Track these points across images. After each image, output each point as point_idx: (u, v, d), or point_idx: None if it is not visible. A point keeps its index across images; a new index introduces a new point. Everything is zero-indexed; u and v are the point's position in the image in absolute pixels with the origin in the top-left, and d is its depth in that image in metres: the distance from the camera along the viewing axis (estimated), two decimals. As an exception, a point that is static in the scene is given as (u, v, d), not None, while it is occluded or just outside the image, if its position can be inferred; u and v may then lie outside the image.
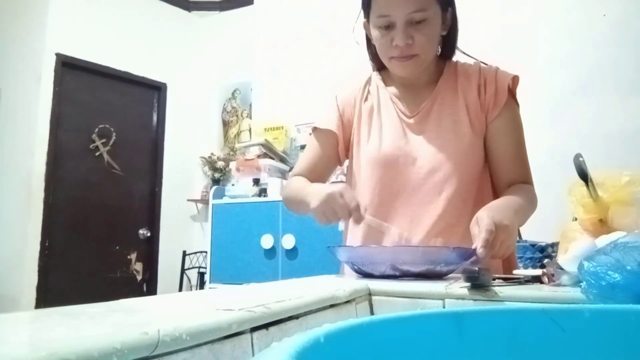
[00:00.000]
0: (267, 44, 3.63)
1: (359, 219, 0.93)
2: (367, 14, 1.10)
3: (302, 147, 3.15)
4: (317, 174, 1.20)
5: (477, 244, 0.81)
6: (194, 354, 0.37)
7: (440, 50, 1.15)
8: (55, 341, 0.31)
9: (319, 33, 3.37)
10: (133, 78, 4.33)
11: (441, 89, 1.14)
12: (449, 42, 1.15)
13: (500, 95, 1.10)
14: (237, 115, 4.70)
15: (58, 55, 3.84)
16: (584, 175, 0.79)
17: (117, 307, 0.48)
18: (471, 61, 1.18)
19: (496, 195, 1.12)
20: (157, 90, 4.55)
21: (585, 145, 2.36)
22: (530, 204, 1.06)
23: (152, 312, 0.49)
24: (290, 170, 3.09)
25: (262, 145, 3.10)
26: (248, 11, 4.19)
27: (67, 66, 3.90)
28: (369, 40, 1.18)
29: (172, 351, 0.35)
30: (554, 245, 0.87)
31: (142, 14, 4.44)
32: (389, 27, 1.04)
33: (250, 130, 4.19)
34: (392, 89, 1.18)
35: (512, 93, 1.12)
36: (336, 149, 1.20)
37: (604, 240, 0.65)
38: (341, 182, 2.77)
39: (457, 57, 1.22)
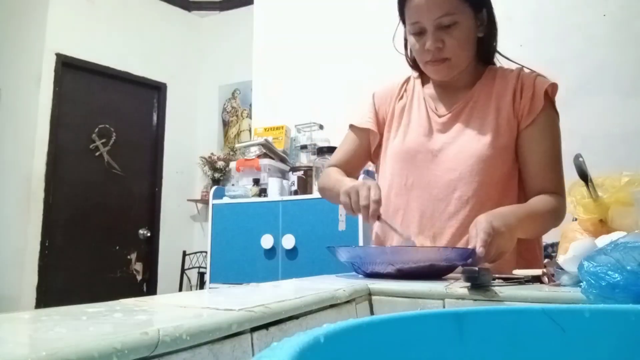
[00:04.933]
0: (267, 44, 3.63)
1: (372, 215, 0.94)
2: (404, 22, 1.13)
3: (303, 147, 3.15)
4: (350, 166, 1.25)
5: (476, 244, 0.82)
6: (194, 354, 0.37)
7: (477, 52, 1.14)
8: (55, 341, 0.31)
9: (319, 33, 3.37)
10: (133, 78, 4.33)
11: (476, 92, 1.14)
12: (485, 45, 1.15)
13: (536, 102, 1.08)
14: (237, 115, 4.70)
15: (58, 55, 3.84)
16: (584, 176, 0.79)
17: (117, 307, 0.48)
18: (514, 66, 1.17)
19: (524, 201, 1.10)
20: (157, 90, 4.55)
21: (585, 145, 2.36)
22: (551, 215, 1.04)
23: (152, 312, 0.49)
24: (290, 170, 3.09)
25: (262, 145, 3.10)
26: (248, 11, 4.19)
27: (67, 66, 3.90)
28: (406, 46, 1.21)
29: (172, 351, 0.35)
30: (554, 245, 0.87)
31: (142, 14, 4.44)
32: (421, 33, 1.06)
33: (250, 130, 4.19)
34: (429, 90, 1.20)
35: (551, 101, 1.10)
36: (369, 145, 1.24)
37: (604, 240, 0.65)
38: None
39: (503, 62, 1.21)
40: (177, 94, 4.65)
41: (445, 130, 1.13)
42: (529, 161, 1.09)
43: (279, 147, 3.20)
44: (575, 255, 0.66)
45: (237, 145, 3.90)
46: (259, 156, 3.09)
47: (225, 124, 4.75)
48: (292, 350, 0.26)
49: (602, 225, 0.77)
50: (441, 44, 1.05)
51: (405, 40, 1.19)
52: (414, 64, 1.23)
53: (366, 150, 1.25)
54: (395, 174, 1.14)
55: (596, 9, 2.58)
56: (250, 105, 4.33)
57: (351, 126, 1.27)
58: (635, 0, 2.52)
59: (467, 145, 1.09)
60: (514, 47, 2.63)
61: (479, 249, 0.82)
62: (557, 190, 1.07)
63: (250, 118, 4.34)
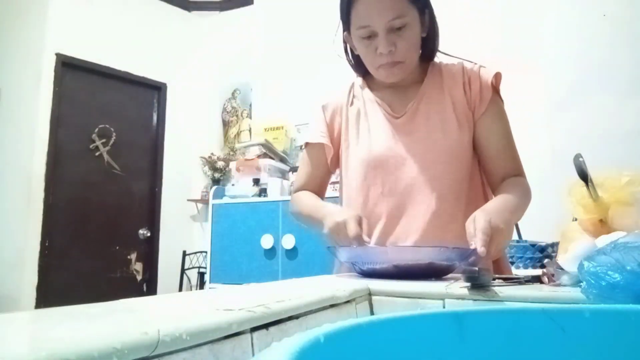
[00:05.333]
0: (267, 44, 3.63)
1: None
2: (347, 27, 1.12)
3: (303, 147, 3.16)
4: (315, 187, 1.25)
5: (477, 244, 0.82)
6: (194, 354, 0.37)
7: (421, 51, 1.15)
8: (55, 341, 0.31)
9: (319, 33, 3.37)
10: (133, 78, 4.33)
11: (427, 89, 1.16)
12: (429, 44, 1.17)
13: (485, 92, 1.12)
14: (237, 115, 4.70)
15: (58, 55, 3.84)
16: (584, 176, 0.79)
17: (117, 307, 0.48)
18: (454, 61, 1.19)
19: (491, 189, 1.14)
20: (157, 90, 4.55)
21: (585, 145, 2.35)
22: (524, 198, 1.08)
23: (152, 312, 0.49)
24: (290, 170, 3.09)
25: (262, 145, 3.11)
26: (248, 11, 4.19)
27: (67, 66, 3.90)
28: (350, 51, 1.20)
29: (172, 351, 0.35)
30: (554, 245, 0.87)
31: (142, 14, 4.44)
32: (370, 37, 1.06)
33: (250, 130, 4.19)
34: (378, 93, 1.20)
35: (496, 89, 1.13)
36: (327, 160, 1.24)
37: (604, 240, 0.65)
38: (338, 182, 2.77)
39: (441, 58, 1.23)
40: (177, 94, 4.65)
41: (406, 131, 1.14)
42: (488, 149, 1.13)
43: (279, 147, 3.20)
44: (575, 255, 0.66)
45: (237, 145, 3.91)
46: (259, 156, 3.09)
47: (225, 124, 4.75)
48: (292, 350, 0.26)
49: (602, 225, 0.77)
50: (393, 47, 1.05)
51: (345, 43, 1.19)
52: (357, 68, 1.23)
53: (325, 168, 1.25)
54: (369, 183, 1.14)
55: (596, 9, 2.59)
56: (250, 105, 4.33)
57: (306, 144, 1.27)
58: (635, 0, 2.52)
59: (435, 144, 1.11)
60: (515, 47, 2.64)
61: (480, 249, 0.82)
62: (519, 172, 1.13)
63: (250, 118, 4.34)
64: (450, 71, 1.16)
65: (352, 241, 0.96)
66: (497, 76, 1.13)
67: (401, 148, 1.12)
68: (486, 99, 1.11)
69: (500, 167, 1.12)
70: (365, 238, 0.98)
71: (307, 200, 1.20)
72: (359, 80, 1.25)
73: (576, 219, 0.82)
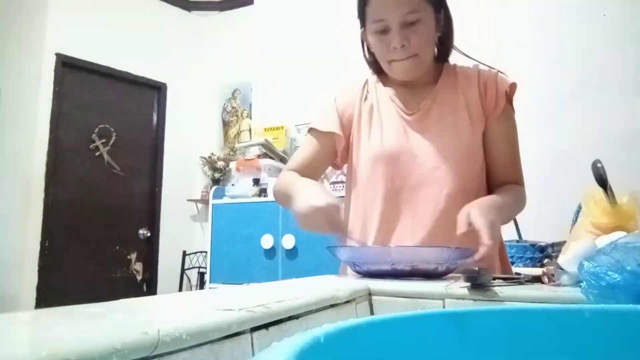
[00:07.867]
0: (267, 44, 3.63)
1: (341, 238, 0.98)
2: (363, 23, 1.12)
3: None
4: (310, 171, 1.20)
5: (484, 237, 0.83)
6: (194, 354, 0.37)
7: (436, 51, 1.16)
8: (55, 341, 0.31)
9: (318, 33, 3.37)
10: (133, 78, 4.33)
11: (441, 89, 1.16)
12: (444, 44, 1.17)
13: (500, 99, 1.12)
14: (237, 115, 4.70)
15: (58, 55, 3.84)
16: (602, 182, 0.78)
17: (117, 307, 0.48)
18: (469, 63, 1.19)
19: (489, 192, 1.15)
20: (157, 90, 4.55)
21: (585, 145, 2.36)
22: (517, 204, 1.11)
23: (152, 312, 0.49)
24: (290, 170, 3.09)
25: (262, 145, 3.10)
26: (248, 11, 4.19)
27: (67, 66, 3.90)
28: (367, 48, 1.20)
29: (172, 351, 0.35)
30: (554, 245, 0.87)
31: (142, 14, 4.44)
32: (384, 31, 1.06)
33: (250, 130, 4.19)
34: (391, 89, 1.19)
35: (509, 98, 1.14)
36: (334, 150, 1.21)
37: (604, 240, 0.65)
38: (341, 182, 2.77)
39: (456, 59, 1.22)
40: (177, 94, 4.65)
41: (420, 129, 1.14)
42: (494, 155, 1.15)
43: (279, 147, 3.20)
44: (575, 255, 0.66)
45: (237, 145, 3.91)
46: (259, 156, 3.09)
47: (225, 124, 4.75)
48: (292, 350, 0.26)
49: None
50: (407, 42, 1.05)
51: (362, 41, 1.19)
52: (373, 65, 1.22)
53: (329, 155, 1.21)
54: (379, 177, 1.13)
55: (596, 9, 2.58)
56: (250, 105, 4.33)
57: (311, 129, 1.22)
58: (635, 0, 2.52)
59: (446, 143, 1.11)
60: (514, 47, 2.64)
61: (489, 242, 0.83)
62: (519, 180, 1.16)
63: (250, 118, 4.34)
64: (465, 73, 1.17)
65: (334, 232, 0.94)
66: (512, 86, 1.14)
67: (412, 145, 1.12)
68: (500, 107, 1.12)
69: (502, 174, 1.14)
70: (346, 231, 0.97)
71: (290, 178, 1.14)
72: (373, 78, 1.24)
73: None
